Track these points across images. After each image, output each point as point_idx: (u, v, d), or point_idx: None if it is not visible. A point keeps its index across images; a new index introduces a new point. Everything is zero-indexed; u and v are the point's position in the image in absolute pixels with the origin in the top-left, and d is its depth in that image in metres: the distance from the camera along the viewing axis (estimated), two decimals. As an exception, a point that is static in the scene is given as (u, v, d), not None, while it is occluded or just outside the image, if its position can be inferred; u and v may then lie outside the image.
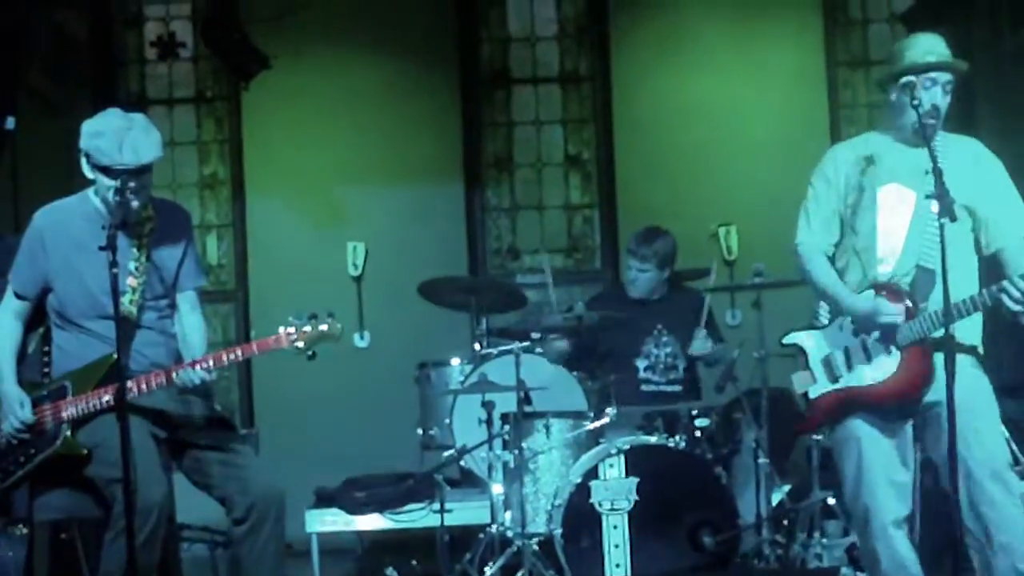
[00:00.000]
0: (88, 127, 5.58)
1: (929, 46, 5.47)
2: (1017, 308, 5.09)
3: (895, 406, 5.38)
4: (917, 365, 5.29)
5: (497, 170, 11.37)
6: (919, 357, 5.29)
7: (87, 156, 5.56)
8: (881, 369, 5.37)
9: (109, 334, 5.46)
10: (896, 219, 5.43)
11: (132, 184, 5.47)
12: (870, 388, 5.39)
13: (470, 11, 11.35)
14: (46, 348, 5.92)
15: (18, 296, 5.81)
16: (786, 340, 5.73)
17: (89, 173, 5.61)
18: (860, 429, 5.44)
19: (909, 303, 5.30)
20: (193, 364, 5.53)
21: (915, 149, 5.42)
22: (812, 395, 5.59)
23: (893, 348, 5.33)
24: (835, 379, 5.51)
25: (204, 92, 11.47)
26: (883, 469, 5.40)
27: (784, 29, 11.17)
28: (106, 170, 5.51)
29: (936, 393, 5.26)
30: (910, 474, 5.43)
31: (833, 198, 5.59)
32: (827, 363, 5.54)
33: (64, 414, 5.62)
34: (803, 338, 5.66)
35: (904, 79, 5.39)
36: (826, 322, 5.62)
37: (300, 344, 5.53)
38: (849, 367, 5.47)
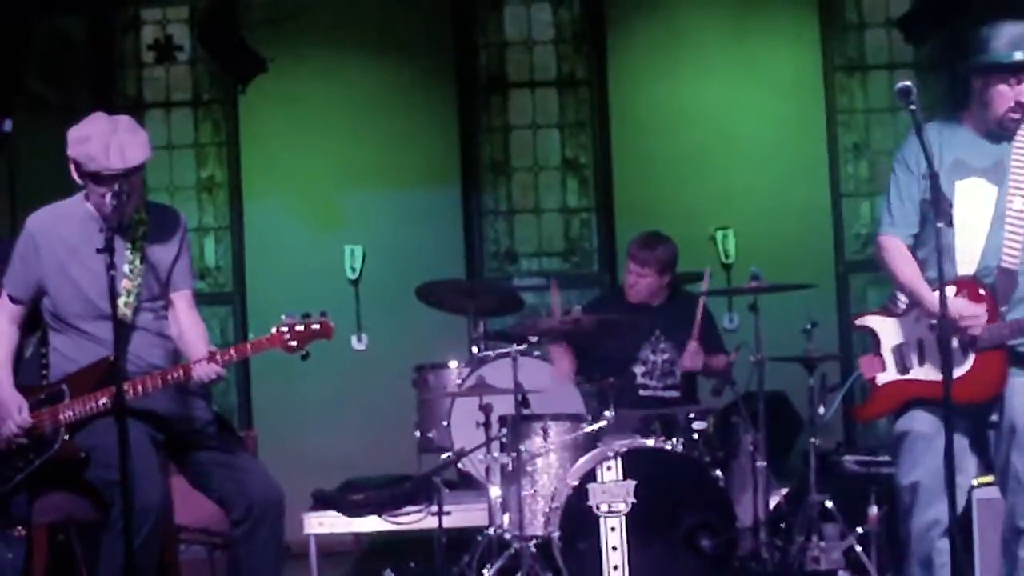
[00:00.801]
0: (74, 134, 5.57)
1: (1017, 38, 5.31)
2: None
3: (961, 408, 5.21)
4: (990, 371, 5.24)
5: (494, 174, 11.37)
6: (994, 363, 5.23)
7: (76, 163, 5.56)
8: (955, 368, 5.23)
9: (105, 336, 5.49)
10: (977, 216, 5.31)
11: (125, 188, 5.46)
12: (939, 385, 5.22)
13: (467, 16, 11.35)
14: (44, 350, 5.93)
15: (12, 300, 5.82)
16: (859, 322, 5.64)
17: (79, 179, 5.62)
18: (923, 423, 5.38)
19: (990, 305, 5.25)
20: (211, 357, 5.53)
21: (995, 143, 5.37)
22: (879, 382, 5.51)
23: (969, 349, 5.27)
24: (905, 370, 5.44)
25: (201, 95, 11.46)
26: (938, 467, 5.24)
27: (780, 34, 11.17)
28: (95, 176, 5.52)
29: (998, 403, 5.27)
30: (965, 477, 5.39)
31: (914, 186, 5.46)
32: (899, 352, 5.47)
33: (62, 418, 5.63)
34: (876, 322, 5.57)
35: (989, 72, 5.31)
36: (903, 308, 5.52)
37: (293, 344, 5.54)
38: (921, 360, 5.41)
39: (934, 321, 5.26)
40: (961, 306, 5.23)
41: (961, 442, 5.31)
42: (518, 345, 7.49)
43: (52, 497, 5.79)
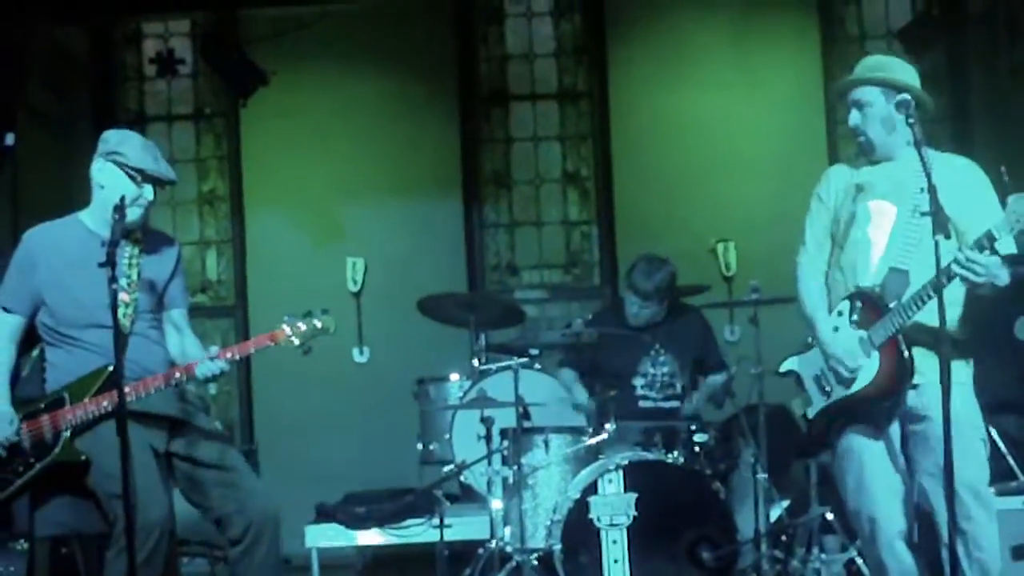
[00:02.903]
0: (116, 136, 5.74)
1: (859, 68, 5.64)
2: (964, 274, 5.06)
3: (883, 405, 5.40)
4: (895, 359, 5.32)
5: (495, 186, 11.39)
6: (895, 351, 5.32)
7: (117, 156, 5.64)
8: (864, 373, 5.41)
9: (102, 343, 5.54)
10: (877, 232, 5.49)
11: (150, 197, 5.67)
12: (858, 393, 5.43)
13: (469, 28, 11.38)
14: (43, 365, 5.93)
15: (7, 310, 5.83)
16: (782, 368, 5.85)
17: (107, 179, 5.67)
18: (857, 442, 5.49)
19: (881, 308, 5.36)
20: (216, 357, 5.59)
21: (899, 165, 5.49)
22: (810, 415, 5.66)
23: (871, 350, 5.38)
24: (827, 394, 5.56)
25: (203, 109, 11.49)
26: (883, 480, 5.44)
27: (782, 46, 11.20)
28: (137, 173, 5.62)
29: (922, 408, 5.31)
30: (906, 484, 5.45)
31: (825, 218, 5.70)
32: (818, 381, 5.61)
33: (62, 423, 5.64)
34: (795, 363, 5.77)
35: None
36: (813, 342, 5.68)
37: (296, 340, 5.61)
38: (838, 379, 5.51)
39: None
40: (840, 352, 5.46)
41: (893, 446, 5.46)
42: (519, 358, 7.51)
43: (56, 509, 5.78)
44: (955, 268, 5.07)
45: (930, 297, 5.14)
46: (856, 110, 5.54)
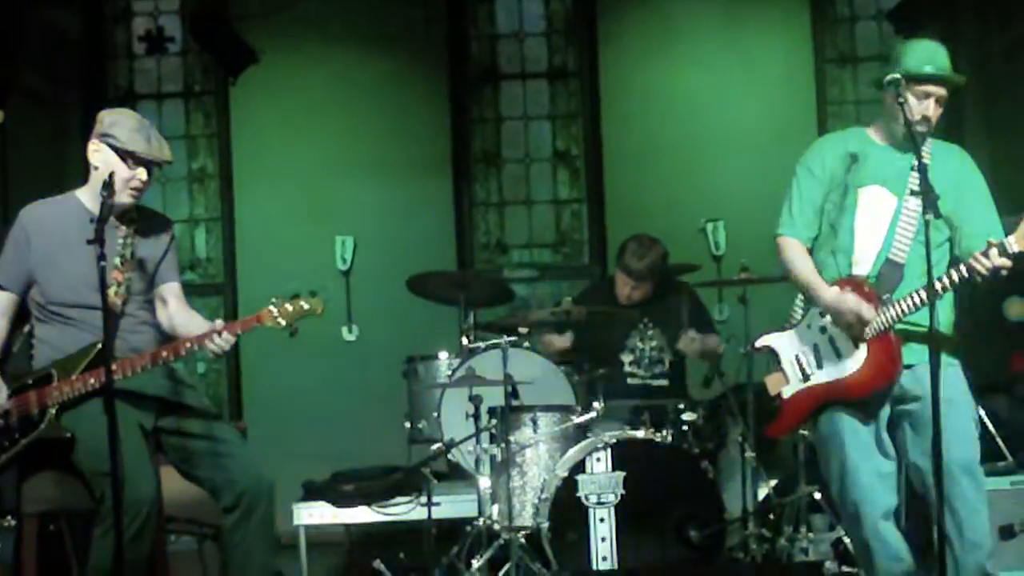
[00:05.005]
0: (109, 117, 5.73)
1: (928, 55, 5.41)
2: (986, 275, 5.03)
3: (867, 398, 5.38)
4: (884, 355, 5.31)
5: (485, 165, 11.38)
6: (886, 347, 5.30)
7: (109, 138, 5.64)
8: (850, 363, 5.38)
9: (92, 321, 5.53)
10: (875, 222, 5.43)
11: (145, 178, 5.68)
12: (840, 383, 5.41)
13: (459, 7, 11.35)
14: (32, 341, 5.93)
15: (2, 288, 5.83)
16: (758, 343, 5.75)
17: (100, 161, 5.67)
18: (840, 424, 5.45)
19: (874, 297, 5.33)
20: (221, 332, 5.54)
21: (901, 153, 5.43)
22: (785, 395, 5.61)
23: (861, 342, 5.34)
24: (806, 377, 5.53)
25: (192, 87, 11.46)
26: (867, 462, 5.41)
27: (772, 26, 11.19)
28: (129, 156, 5.62)
29: (915, 389, 5.30)
30: (893, 464, 5.45)
31: (816, 191, 5.58)
32: (797, 362, 5.55)
33: (49, 400, 5.63)
34: (773, 339, 5.67)
35: (900, 86, 5.31)
36: (796, 320, 5.62)
37: (282, 321, 5.58)
38: (819, 364, 5.49)
39: (826, 322, 5.45)
40: (854, 303, 5.32)
41: (879, 428, 5.44)
42: (508, 336, 7.51)
43: (44, 486, 5.78)
44: (975, 264, 5.05)
45: (924, 303, 5.11)
46: (935, 105, 5.38)
